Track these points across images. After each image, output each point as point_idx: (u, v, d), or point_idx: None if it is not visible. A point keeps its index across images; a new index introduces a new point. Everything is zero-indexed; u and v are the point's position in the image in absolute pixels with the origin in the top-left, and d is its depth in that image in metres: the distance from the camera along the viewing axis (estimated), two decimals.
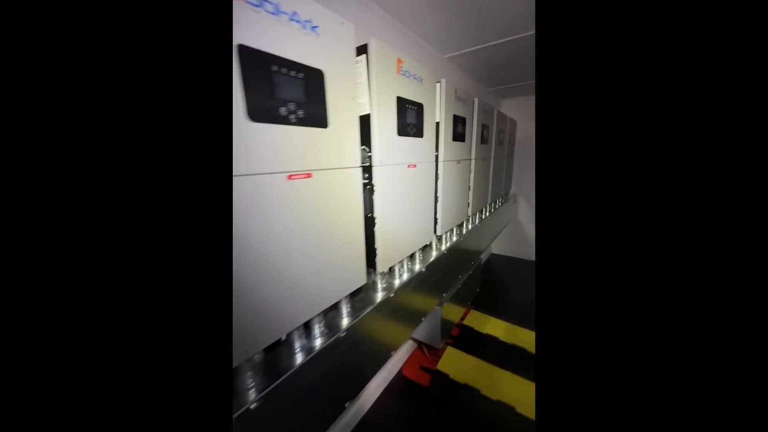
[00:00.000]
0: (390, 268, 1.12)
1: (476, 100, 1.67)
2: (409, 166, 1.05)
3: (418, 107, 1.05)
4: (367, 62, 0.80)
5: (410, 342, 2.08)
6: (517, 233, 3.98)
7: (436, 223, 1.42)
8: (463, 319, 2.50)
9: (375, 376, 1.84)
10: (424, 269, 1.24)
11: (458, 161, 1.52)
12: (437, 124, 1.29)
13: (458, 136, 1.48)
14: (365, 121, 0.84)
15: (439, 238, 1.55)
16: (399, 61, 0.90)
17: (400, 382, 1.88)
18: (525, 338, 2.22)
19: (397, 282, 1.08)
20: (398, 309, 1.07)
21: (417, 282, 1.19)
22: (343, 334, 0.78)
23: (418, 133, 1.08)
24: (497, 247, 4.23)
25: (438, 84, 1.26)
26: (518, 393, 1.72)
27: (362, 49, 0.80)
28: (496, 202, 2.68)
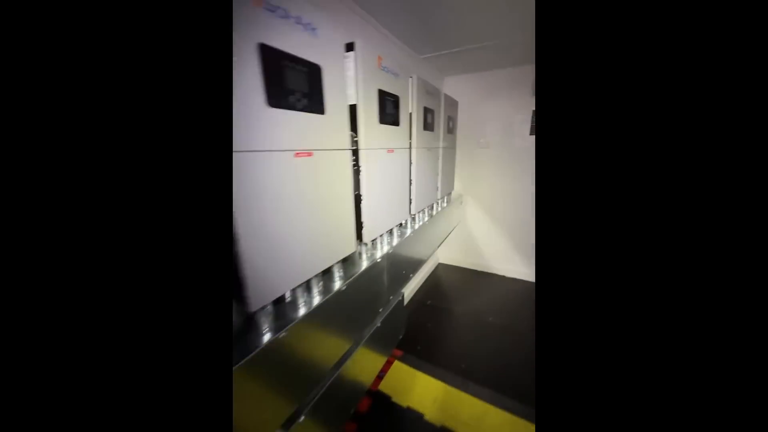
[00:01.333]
0: None
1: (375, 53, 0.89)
2: None
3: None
4: None
5: None
6: (465, 240, 3.35)
7: None
8: (380, 378, 1.76)
9: None
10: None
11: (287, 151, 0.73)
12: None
13: (313, 106, 0.69)
14: None
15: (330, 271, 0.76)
16: None
17: None
18: (463, 415, 1.49)
19: None
20: None
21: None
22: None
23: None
24: (444, 256, 3.58)
25: None
26: None
27: None
28: (432, 206, 1.98)
